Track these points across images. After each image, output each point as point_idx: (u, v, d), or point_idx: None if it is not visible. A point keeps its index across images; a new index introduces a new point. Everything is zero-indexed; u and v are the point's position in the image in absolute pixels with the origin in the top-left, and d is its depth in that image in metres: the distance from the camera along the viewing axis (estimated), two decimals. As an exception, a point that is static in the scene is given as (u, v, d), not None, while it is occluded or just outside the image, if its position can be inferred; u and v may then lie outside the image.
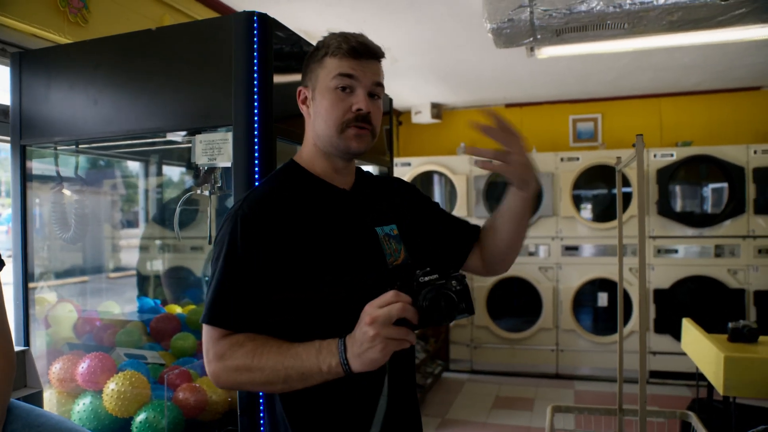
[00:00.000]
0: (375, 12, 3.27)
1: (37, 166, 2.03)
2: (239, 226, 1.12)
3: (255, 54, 1.56)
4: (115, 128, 1.74)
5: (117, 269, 3.01)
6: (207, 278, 1.18)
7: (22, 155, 1.89)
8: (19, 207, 1.90)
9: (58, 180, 1.95)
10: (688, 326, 3.12)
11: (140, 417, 1.76)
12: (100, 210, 2.95)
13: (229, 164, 1.60)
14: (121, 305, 2.68)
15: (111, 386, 1.79)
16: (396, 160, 5.70)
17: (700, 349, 2.84)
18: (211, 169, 1.73)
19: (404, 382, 1.28)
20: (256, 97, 1.56)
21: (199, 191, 1.75)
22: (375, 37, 4.20)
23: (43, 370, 2.00)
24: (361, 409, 1.18)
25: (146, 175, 2.78)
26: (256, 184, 1.54)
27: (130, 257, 3.00)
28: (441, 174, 5.56)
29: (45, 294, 2.44)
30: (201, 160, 1.64)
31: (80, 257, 2.87)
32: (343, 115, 1.17)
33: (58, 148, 1.93)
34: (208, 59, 1.63)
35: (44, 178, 2.04)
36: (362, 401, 1.17)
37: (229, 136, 1.59)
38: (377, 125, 1.22)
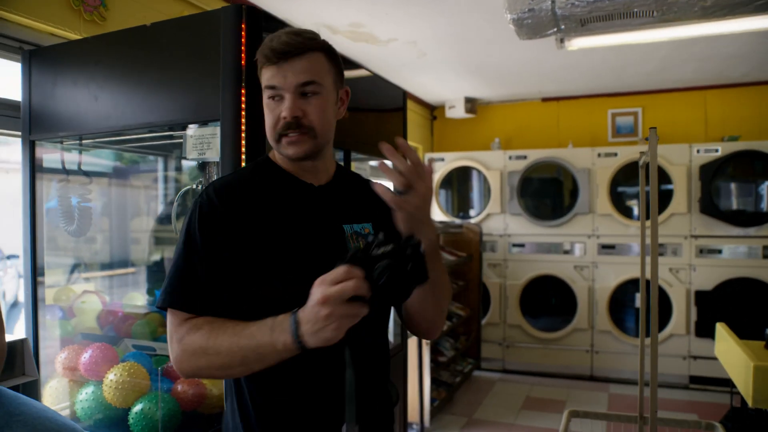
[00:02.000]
0: (396, 5, 3.22)
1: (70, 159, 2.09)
2: (197, 213, 1.14)
3: (242, 47, 1.55)
4: (113, 123, 1.76)
5: (142, 263, 3.07)
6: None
7: (31, 150, 1.95)
8: (28, 201, 1.95)
9: (64, 174, 1.99)
10: (721, 331, 2.95)
11: (137, 407, 1.78)
12: (126, 203, 3.03)
13: (217, 159, 1.59)
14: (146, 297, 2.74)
15: (110, 376, 1.82)
16: (429, 155, 5.66)
17: (731, 356, 2.67)
18: (205, 164, 1.73)
19: (373, 347, 1.26)
20: (243, 91, 1.55)
21: (194, 186, 1.76)
22: (398, 30, 4.14)
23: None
24: (328, 387, 1.15)
25: (165, 168, 2.82)
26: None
27: (154, 250, 3.06)
28: (475, 169, 5.47)
29: (75, 285, 2.52)
30: (191, 154, 1.64)
31: (108, 250, 2.96)
32: (275, 126, 1.16)
33: (64, 142, 1.97)
34: (198, 54, 1.63)
35: (61, 172, 2.10)
36: (328, 377, 1.15)
37: (218, 130, 1.58)
38: (316, 124, 1.16)
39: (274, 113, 1.16)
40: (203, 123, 1.64)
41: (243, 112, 1.55)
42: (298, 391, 1.16)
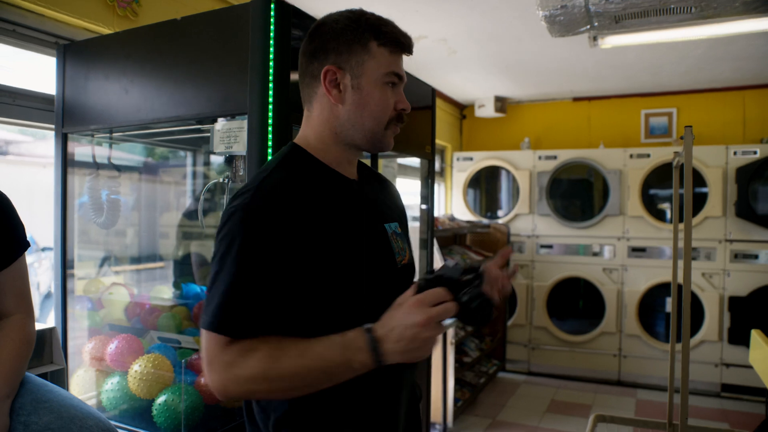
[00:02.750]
0: (427, 1, 3.19)
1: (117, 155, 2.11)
2: (250, 220, 1.01)
3: (271, 41, 1.55)
4: (143, 116, 1.78)
5: (170, 257, 3.10)
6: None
7: (63, 143, 1.98)
8: (60, 193, 1.98)
9: (95, 167, 2.02)
10: (756, 339, 2.86)
11: (160, 399, 1.80)
12: (155, 197, 3.07)
13: (244, 152, 1.60)
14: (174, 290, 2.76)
15: (135, 368, 1.85)
16: (458, 154, 5.61)
17: None
18: (232, 157, 1.74)
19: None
20: (271, 85, 1.55)
21: (221, 179, 1.77)
22: (428, 28, 4.15)
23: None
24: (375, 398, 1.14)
25: (194, 163, 2.85)
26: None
27: (181, 244, 3.09)
28: (504, 169, 5.41)
29: (105, 277, 2.57)
30: (219, 148, 1.65)
31: (137, 243, 3.00)
32: (390, 112, 1.14)
33: (96, 135, 2.00)
34: (227, 47, 1.64)
35: (92, 165, 2.13)
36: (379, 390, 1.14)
37: (245, 124, 1.58)
38: None
39: (390, 100, 1.13)
40: (231, 116, 1.64)
41: (270, 106, 1.54)
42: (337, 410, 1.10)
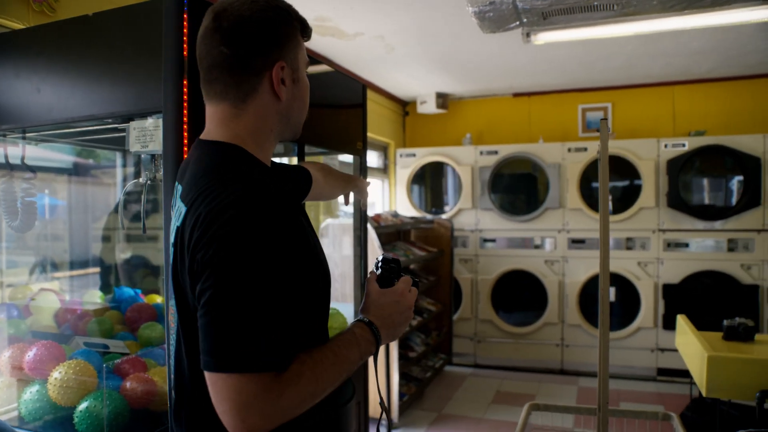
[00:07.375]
0: (361, -2, 3.20)
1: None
2: (258, 237, 0.89)
3: (185, 38, 1.52)
4: (56, 116, 1.72)
5: (100, 261, 3.01)
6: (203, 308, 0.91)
7: (-27, 144, 1.89)
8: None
9: (8, 168, 1.94)
10: (681, 323, 2.99)
11: (82, 406, 1.74)
12: (86, 200, 2.97)
13: (160, 151, 1.56)
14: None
15: (55, 375, 1.78)
16: (401, 150, 5.64)
17: (689, 347, 2.71)
18: (153, 157, 1.70)
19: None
20: (185, 82, 1.52)
21: (141, 180, 1.72)
22: (364, 25, 4.16)
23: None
24: None
25: (124, 164, 2.77)
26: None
27: (110, 247, 3.01)
28: (447, 165, 5.47)
29: (35, 284, 2.47)
30: (135, 147, 1.60)
31: (68, 248, 2.90)
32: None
33: (8, 136, 1.92)
34: (141, 44, 1.60)
35: (4, 167, 2.04)
36: None
37: (161, 122, 1.55)
38: None
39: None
40: (147, 115, 1.60)
41: (185, 104, 1.51)
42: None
